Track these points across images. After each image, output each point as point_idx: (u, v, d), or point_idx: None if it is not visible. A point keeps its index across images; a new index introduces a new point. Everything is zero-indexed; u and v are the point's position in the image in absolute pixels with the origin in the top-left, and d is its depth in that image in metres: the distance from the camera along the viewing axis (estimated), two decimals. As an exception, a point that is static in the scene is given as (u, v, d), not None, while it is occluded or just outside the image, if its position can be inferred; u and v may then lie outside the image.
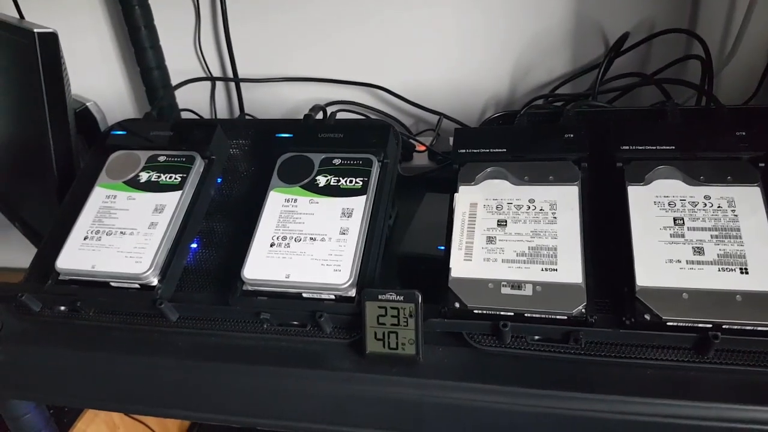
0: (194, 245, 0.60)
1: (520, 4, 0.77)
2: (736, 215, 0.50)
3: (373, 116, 0.85)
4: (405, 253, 0.64)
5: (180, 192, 0.60)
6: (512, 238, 0.53)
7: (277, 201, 0.58)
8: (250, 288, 0.55)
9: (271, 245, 0.55)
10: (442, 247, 0.55)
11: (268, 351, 0.54)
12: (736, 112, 0.58)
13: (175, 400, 0.58)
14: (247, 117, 0.76)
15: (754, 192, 0.51)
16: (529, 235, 0.53)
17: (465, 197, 0.56)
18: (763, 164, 0.52)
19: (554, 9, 0.76)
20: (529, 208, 0.54)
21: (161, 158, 0.63)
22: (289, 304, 0.54)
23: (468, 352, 0.52)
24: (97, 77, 0.92)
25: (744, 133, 0.53)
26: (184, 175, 0.61)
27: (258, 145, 0.66)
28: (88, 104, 0.81)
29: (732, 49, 0.70)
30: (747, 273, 0.47)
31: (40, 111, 0.67)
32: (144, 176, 0.62)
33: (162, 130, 0.65)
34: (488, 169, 0.57)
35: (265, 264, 0.54)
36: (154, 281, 0.56)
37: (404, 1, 0.80)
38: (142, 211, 0.59)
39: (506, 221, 0.54)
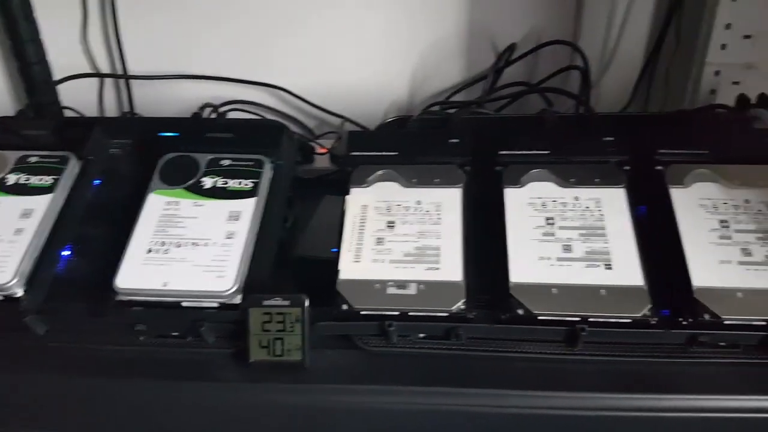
0: (66, 252, 0.56)
1: (420, 12, 0.79)
2: (602, 215, 0.53)
3: (273, 117, 0.84)
4: (302, 256, 0.63)
5: (51, 195, 0.56)
6: (400, 238, 0.54)
7: (156, 204, 0.56)
8: (124, 298, 0.52)
9: (149, 251, 0.53)
10: (337, 250, 0.55)
11: (146, 364, 0.52)
12: (607, 119, 0.62)
13: (46, 420, 0.54)
14: (135, 115, 0.73)
15: (619, 193, 0.54)
16: (416, 236, 0.54)
17: (356, 199, 0.57)
18: (628, 167, 0.56)
19: (450, 18, 0.79)
20: (417, 209, 0.56)
21: (32, 159, 0.59)
22: (167, 314, 0.52)
23: (356, 354, 0.52)
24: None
25: (612, 139, 0.57)
26: (57, 177, 0.57)
27: (141, 145, 0.63)
28: (-43, 101, 0.75)
29: (609, 60, 0.75)
30: (611, 268, 0.50)
31: None
32: (12, 178, 0.58)
33: (35, 129, 0.61)
34: (379, 172, 0.58)
35: (140, 272, 0.52)
36: (19, 292, 0.52)
37: (310, 3, 0.80)
38: (8, 216, 0.55)
39: (395, 222, 0.55)
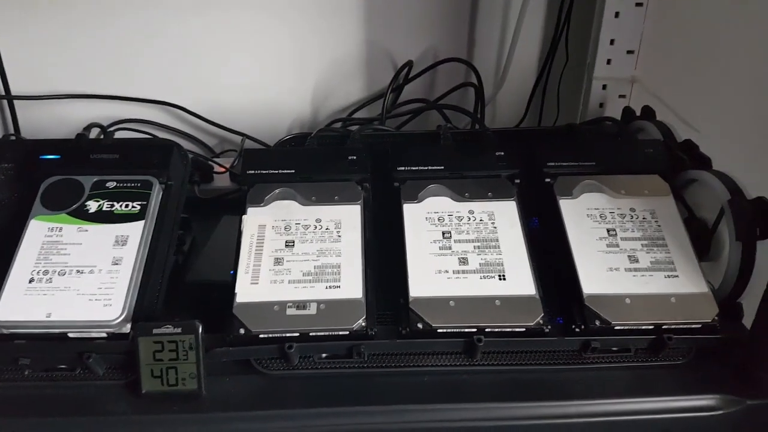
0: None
1: (320, 30, 0.79)
2: (495, 227, 0.54)
3: (169, 136, 0.81)
4: (197, 280, 0.61)
5: None
6: (299, 258, 0.53)
7: (38, 231, 0.53)
8: (5, 331, 0.49)
9: (30, 281, 0.50)
10: (235, 272, 0.53)
11: (32, 400, 0.49)
12: (499, 134, 0.64)
13: None
14: (11, 138, 0.68)
15: (511, 206, 0.56)
16: (315, 254, 0.53)
17: (253, 219, 0.56)
18: (518, 180, 0.58)
19: (348, 36, 0.79)
20: (316, 227, 0.55)
21: None
22: (52, 347, 0.49)
23: (257, 378, 0.50)
24: None
25: (503, 153, 0.59)
26: (-71, 205, 0.53)
27: (22, 168, 0.59)
28: None
29: (502, 77, 0.78)
30: (504, 279, 0.51)
31: None
32: None
33: None
34: (277, 191, 0.57)
35: (22, 303, 0.49)
36: None
37: (207, 20, 0.78)
38: None
39: (294, 242, 0.54)
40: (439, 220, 0.55)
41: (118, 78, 0.80)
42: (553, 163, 0.58)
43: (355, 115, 0.81)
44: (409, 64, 0.76)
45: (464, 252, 0.53)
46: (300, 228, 0.55)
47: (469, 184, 0.57)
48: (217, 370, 0.50)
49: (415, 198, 0.56)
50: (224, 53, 0.80)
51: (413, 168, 0.58)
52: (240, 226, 0.55)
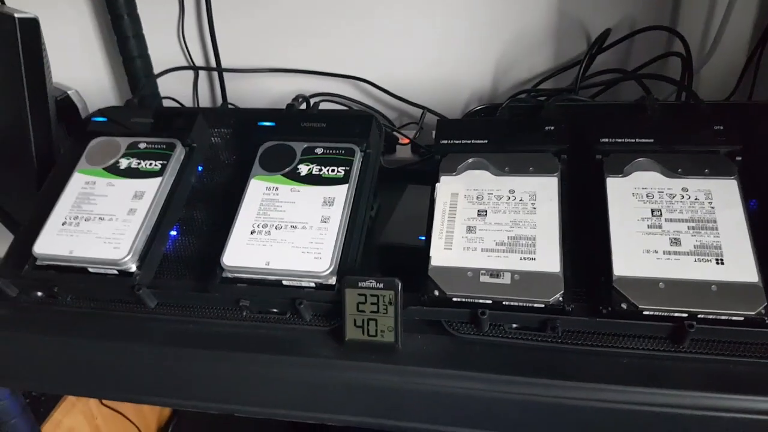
0: (174, 232, 0.60)
1: (503, 1, 0.77)
2: (713, 207, 0.50)
3: (356, 108, 0.84)
4: (386, 243, 0.64)
5: (160, 179, 0.59)
6: (492, 227, 0.53)
7: (258, 189, 0.58)
8: (229, 275, 0.55)
9: (252, 233, 0.55)
10: (423, 238, 0.55)
11: (248, 338, 0.54)
12: (715, 107, 0.59)
13: (153, 387, 0.57)
14: (229, 106, 0.75)
15: (731, 185, 0.51)
16: (509, 225, 0.53)
17: (446, 187, 0.57)
18: (739, 158, 0.53)
19: (536, 6, 0.77)
20: (509, 198, 0.55)
21: (142, 145, 0.62)
22: (268, 292, 0.54)
23: (447, 339, 0.52)
24: (79, 66, 0.91)
25: (721, 128, 0.54)
26: (165, 162, 0.60)
27: (240, 133, 0.66)
28: (69, 92, 0.81)
29: (712, 47, 0.71)
30: (722, 264, 0.47)
31: (20, 98, 0.66)
32: (124, 163, 0.61)
33: (143, 118, 0.64)
34: (469, 160, 0.58)
35: (245, 251, 0.54)
36: (133, 267, 0.56)
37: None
38: (122, 197, 0.59)
39: (486, 211, 0.54)
40: (647, 196, 0.52)
41: (307, 54, 0.85)
42: (782, 141, 0.52)
43: (540, 87, 0.78)
44: (606, 33, 0.72)
45: (676, 232, 0.49)
46: (492, 198, 0.55)
47: (682, 159, 0.53)
48: (409, 327, 0.52)
49: (620, 172, 0.53)
50: (406, 27, 0.81)
51: (618, 140, 0.55)
52: (433, 194, 0.57)
